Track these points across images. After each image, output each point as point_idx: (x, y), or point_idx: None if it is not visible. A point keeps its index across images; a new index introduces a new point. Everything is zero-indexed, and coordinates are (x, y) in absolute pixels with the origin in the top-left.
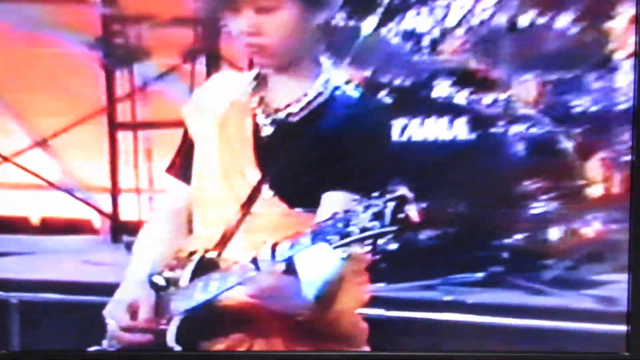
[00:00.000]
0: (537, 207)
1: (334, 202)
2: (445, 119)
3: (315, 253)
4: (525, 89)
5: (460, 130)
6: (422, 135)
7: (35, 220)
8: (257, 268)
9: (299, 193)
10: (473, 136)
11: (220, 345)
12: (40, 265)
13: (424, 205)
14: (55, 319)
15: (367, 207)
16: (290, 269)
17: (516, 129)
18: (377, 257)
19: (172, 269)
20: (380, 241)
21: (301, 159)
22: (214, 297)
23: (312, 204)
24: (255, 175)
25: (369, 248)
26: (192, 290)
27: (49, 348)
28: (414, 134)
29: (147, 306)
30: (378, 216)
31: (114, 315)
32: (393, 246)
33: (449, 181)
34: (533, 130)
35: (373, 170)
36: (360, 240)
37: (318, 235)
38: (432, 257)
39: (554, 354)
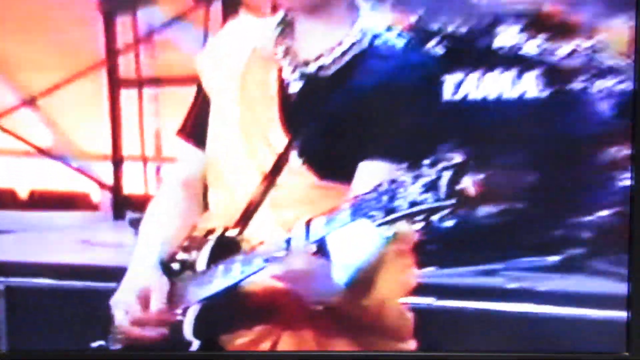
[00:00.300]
0: (626, 178)
1: (374, 172)
2: (510, 73)
3: (353, 231)
4: (614, 35)
5: (529, 86)
6: (482, 93)
7: (22, 193)
8: (288, 248)
9: (333, 161)
10: (546, 93)
11: (242, 339)
12: (29, 246)
13: (485, 175)
14: (48, 309)
15: (416, 178)
16: (322, 249)
17: (601, 84)
18: (428, 236)
19: (186, 250)
20: (433, 217)
21: (335, 121)
22: (236, 283)
23: (347, 174)
24: (281, 139)
25: (420, 226)
26: (211, 275)
27: (39, 341)
28: (471, 91)
29: (159, 294)
30: (430, 188)
31: (122, 305)
32: (448, 223)
33: (516, 147)
34: (622, 86)
35: (422, 133)
36: (409, 217)
37: (359, 210)
38: (495, 237)
39: (554, 354)
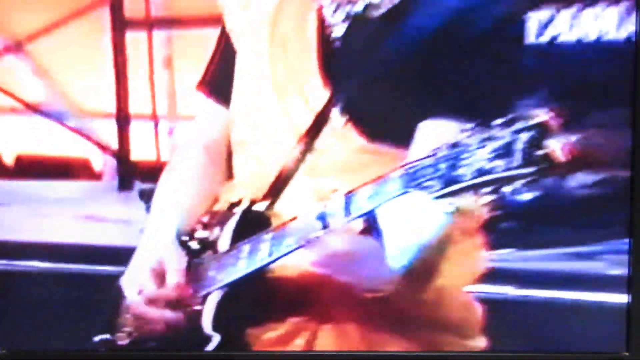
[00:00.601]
0: None
1: (434, 133)
2: (615, 10)
3: (406, 205)
4: None
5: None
6: (575, 35)
7: (9, 159)
8: (325, 226)
9: (383, 120)
10: None
11: (272, 334)
12: (19, 223)
13: (574, 138)
14: (42, 296)
15: (485, 141)
16: (370, 227)
17: None
18: (500, 212)
19: (206, 227)
20: (505, 189)
21: (387, 71)
22: (264, 266)
23: (401, 136)
24: (320, 94)
25: (488, 199)
26: (236, 256)
27: (33, 336)
28: (563, 32)
29: (177, 271)
30: (503, 153)
31: (135, 283)
32: (526, 196)
33: (615, 104)
34: None
35: (495, 87)
36: (475, 188)
37: (412, 180)
38: (587, 213)
39: (554, 354)
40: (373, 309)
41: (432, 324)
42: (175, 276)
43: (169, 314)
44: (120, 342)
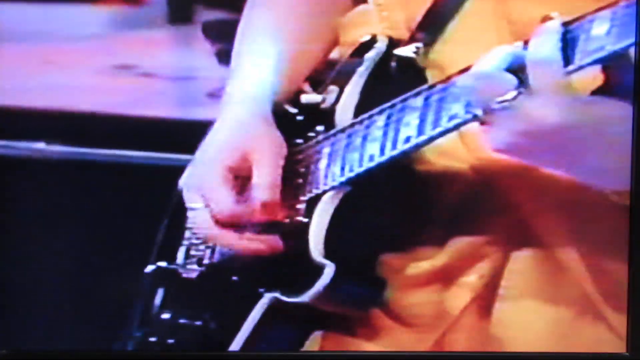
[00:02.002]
0: None
1: None
2: None
3: None
4: None
5: None
6: None
7: None
8: (522, 83)
9: None
10: None
11: (424, 264)
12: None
13: None
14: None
15: None
16: (612, 83)
17: None
18: None
19: (317, 86)
20: None
21: None
22: (410, 151)
23: None
24: None
25: None
26: (364, 134)
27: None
28: None
29: (272, 162)
30: None
31: (201, 186)
32: None
33: None
34: None
35: None
36: None
37: None
38: None
39: (554, 354)
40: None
41: None
42: (267, 173)
43: (256, 244)
44: (187, 275)
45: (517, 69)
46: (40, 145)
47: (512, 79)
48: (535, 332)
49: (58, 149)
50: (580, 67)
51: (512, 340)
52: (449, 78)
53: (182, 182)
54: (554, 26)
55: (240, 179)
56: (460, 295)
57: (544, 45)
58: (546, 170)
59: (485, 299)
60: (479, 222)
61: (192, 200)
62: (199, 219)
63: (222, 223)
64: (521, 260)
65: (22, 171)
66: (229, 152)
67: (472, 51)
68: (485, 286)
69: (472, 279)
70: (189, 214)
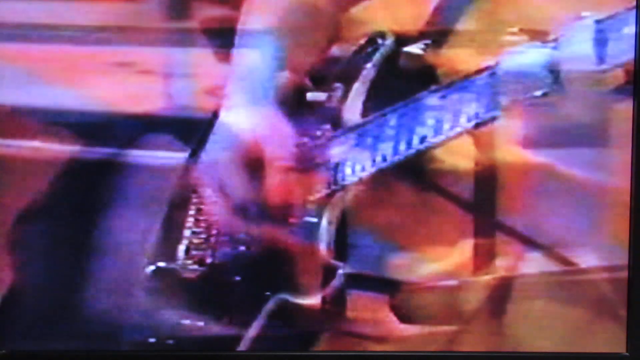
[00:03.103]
0: None
1: None
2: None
3: None
4: None
5: None
6: None
7: None
8: (555, 80)
9: None
10: None
11: (444, 263)
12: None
13: None
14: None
15: None
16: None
17: None
18: None
19: (321, 82)
20: None
21: None
22: (423, 152)
23: None
24: None
25: None
26: (374, 133)
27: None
28: None
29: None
30: None
31: (215, 177)
32: None
33: None
34: None
35: None
36: None
37: None
38: None
39: (554, 354)
40: None
41: None
42: (279, 158)
43: (262, 229)
44: (187, 275)
45: (549, 66)
46: (36, 143)
47: (545, 76)
48: (549, 332)
49: (55, 147)
50: (612, 65)
51: (526, 339)
52: (466, 76)
53: (196, 175)
54: (587, 24)
55: (252, 168)
56: (474, 295)
57: (578, 43)
58: (559, 169)
59: (499, 299)
60: (491, 222)
61: (208, 192)
62: (215, 208)
63: (238, 211)
64: (535, 260)
65: (20, 170)
66: (241, 143)
67: (484, 49)
68: (498, 286)
69: (486, 278)
70: (204, 206)
